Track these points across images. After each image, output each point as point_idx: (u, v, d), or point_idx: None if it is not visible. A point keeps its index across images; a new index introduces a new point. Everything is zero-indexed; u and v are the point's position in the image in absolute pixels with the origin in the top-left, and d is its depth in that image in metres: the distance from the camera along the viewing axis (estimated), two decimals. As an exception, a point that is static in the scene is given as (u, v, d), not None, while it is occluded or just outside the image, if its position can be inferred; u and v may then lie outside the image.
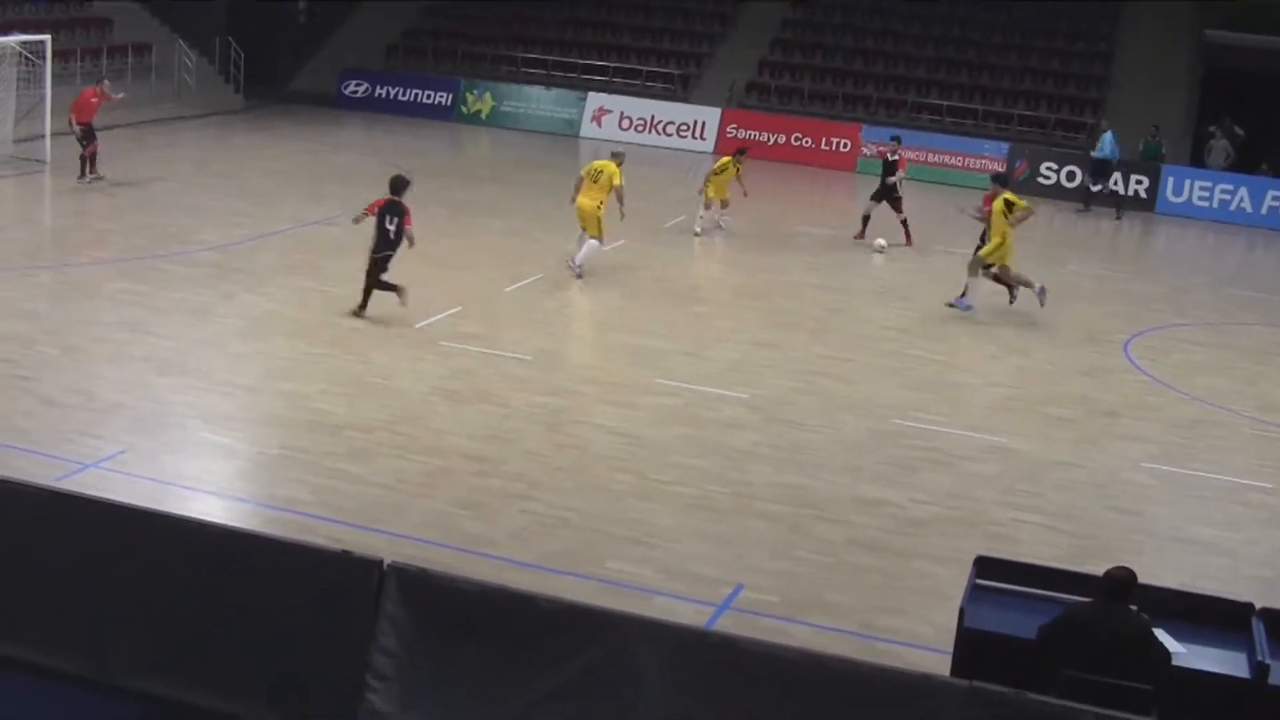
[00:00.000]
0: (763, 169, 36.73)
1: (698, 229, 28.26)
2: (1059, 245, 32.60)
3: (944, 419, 17.93)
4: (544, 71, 44.81)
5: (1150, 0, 43.21)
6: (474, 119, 43.48)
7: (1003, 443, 17.22)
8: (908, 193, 29.05)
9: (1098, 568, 10.14)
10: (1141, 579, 9.53)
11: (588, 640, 9.40)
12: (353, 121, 42.42)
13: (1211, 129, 39.67)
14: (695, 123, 41.71)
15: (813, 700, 8.99)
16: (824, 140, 40.35)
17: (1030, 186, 37.82)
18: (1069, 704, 8.65)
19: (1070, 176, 38.04)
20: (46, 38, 31.05)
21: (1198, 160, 39.48)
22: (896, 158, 29.05)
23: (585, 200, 23.71)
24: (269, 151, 35.28)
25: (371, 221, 20.27)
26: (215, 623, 10.09)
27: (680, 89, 43.84)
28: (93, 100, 28.47)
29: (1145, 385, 20.39)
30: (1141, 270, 31.33)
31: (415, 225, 20.13)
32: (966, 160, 38.88)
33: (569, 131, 42.41)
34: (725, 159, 29.12)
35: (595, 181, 23.67)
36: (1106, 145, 36.73)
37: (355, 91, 44.64)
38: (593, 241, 23.64)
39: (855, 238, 28.63)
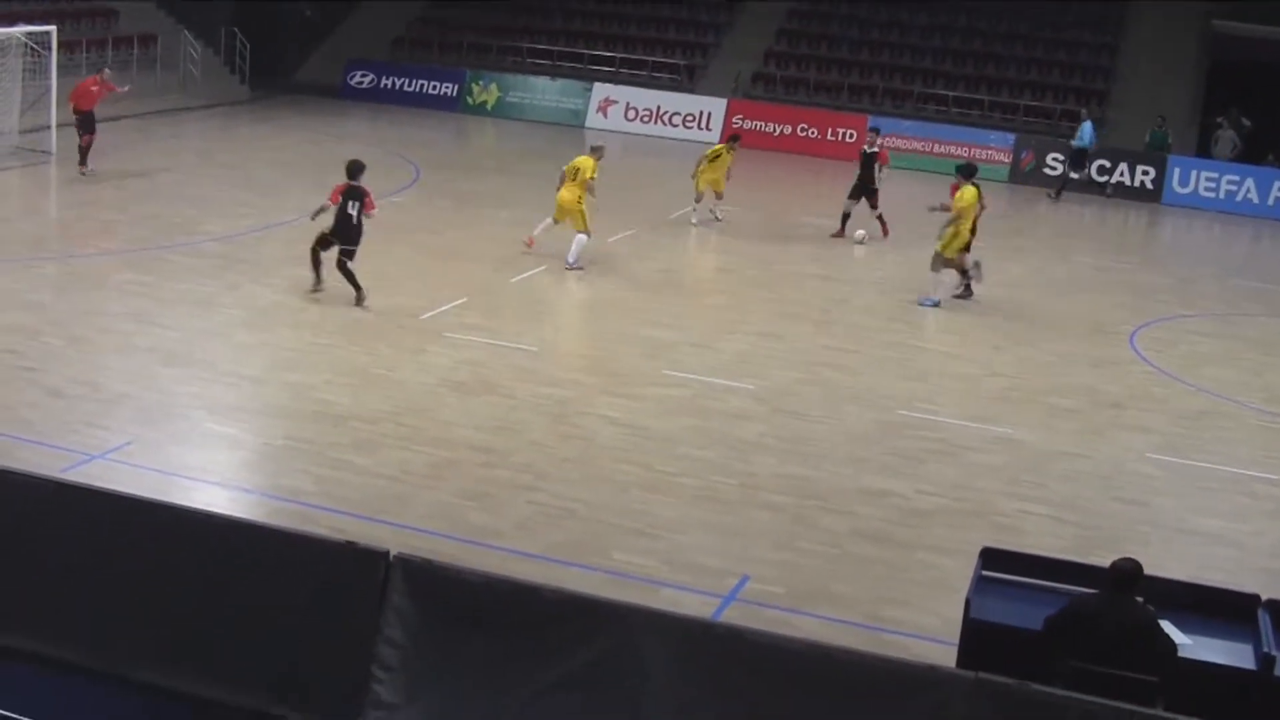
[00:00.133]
0: (768, 160, 36.80)
1: (694, 220, 28.08)
2: (1065, 236, 32.62)
3: (949, 410, 17.92)
4: (550, 62, 44.75)
5: (1157, -9, 43.22)
6: (479, 110, 43.45)
7: (1008, 434, 17.21)
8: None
9: (1103, 559, 10.13)
10: (1147, 570, 9.51)
11: (593, 631, 9.41)
12: (358, 113, 42.40)
13: (1218, 120, 39.61)
14: (701, 113, 41.67)
15: (818, 691, 8.99)
16: (830, 131, 40.30)
17: (1036, 177, 37.90)
18: (1075, 695, 8.65)
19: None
20: (52, 28, 31.02)
21: (1204, 151, 39.41)
22: (876, 150, 28.30)
23: (565, 194, 23.79)
24: (274, 142, 35.28)
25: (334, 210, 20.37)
26: (220, 614, 10.10)
27: (686, 79, 43.79)
28: (93, 89, 28.45)
29: (1151, 376, 20.37)
30: (1148, 261, 31.30)
31: (377, 208, 20.59)
32: (972, 151, 38.73)
33: (575, 122, 42.36)
34: (718, 146, 28.75)
35: (574, 178, 23.74)
36: (1086, 134, 36.66)
37: (361, 83, 44.60)
38: (580, 236, 23.66)
39: (833, 235, 27.95)
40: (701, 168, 27.89)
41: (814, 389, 18.49)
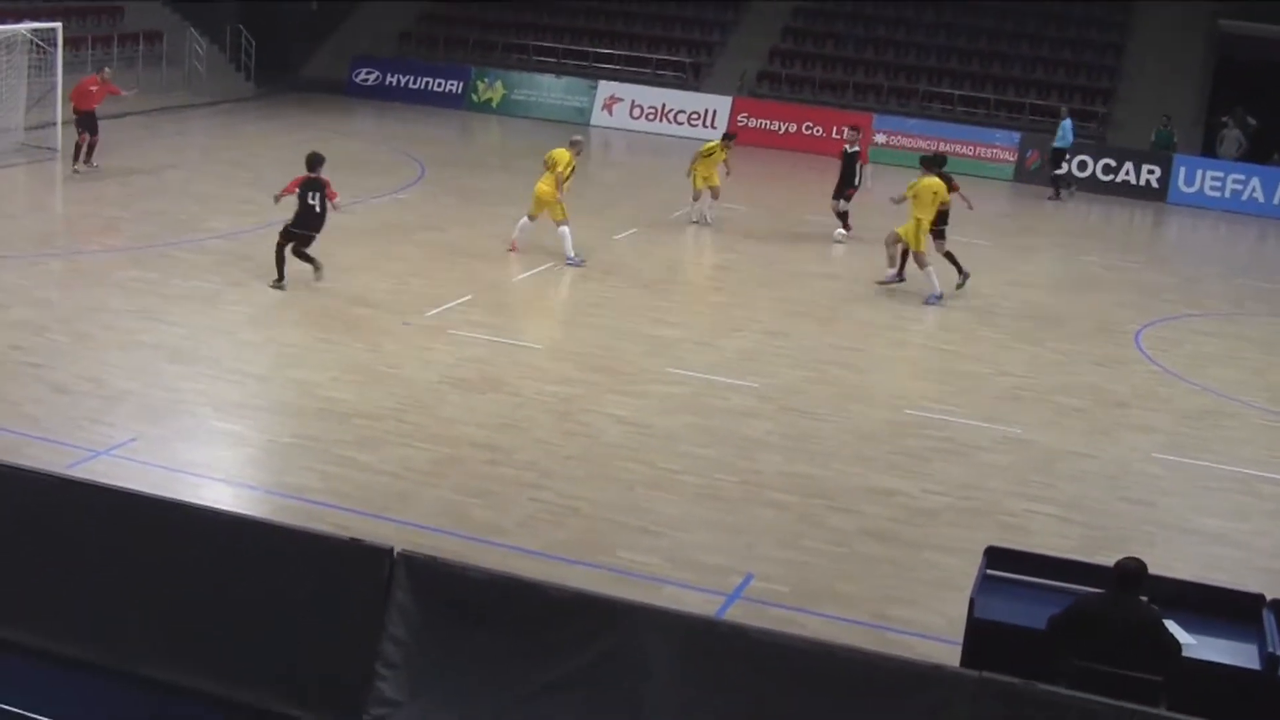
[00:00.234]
0: (773, 158, 36.79)
1: (694, 217, 27.97)
2: (1071, 235, 32.57)
3: (955, 409, 17.91)
4: (555, 60, 44.75)
5: (1163, -10, 43.18)
6: (485, 107, 43.44)
7: (1014, 433, 17.20)
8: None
9: (1108, 558, 10.12)
10: (1152, 570, 9.51)
11: (597, 629, 9.41)
12: (364, 109, 42.40)
13: (1224, 119, 39.56)
14: (706, 111, 41.64)
15: (823, 690, 8.99)
16: (835, 129, 40.06)
17: (1043, 176, 37.80)
18: (1079, 695, 8.64)
19: (1082, 166, 37.91)
20: (58, 25, 31.04)
21: (1210, 150, 39.37)
22: (857, 149, 27.96)
23: (542, 186, 23.83)
24: (280, 140, 35.25)
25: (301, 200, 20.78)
26: (225, 610, 10.11)
27: (691, 77, 43.79)
28: (92, 89, 28.42)
29: (1156, 376, 20.36)
30: (1153, 260, 31.24)
31: (340, 197, 21.08)
32: (978, 150, 38.82)
33: (580, 120, 42.32)
34: (712, 143, 28.39)
35: (551, 169, 23.75)
36: (1064, 133, 36.61)
37: (366, 79, 44.60)
38: (563, 228, 23.75)
39: (845, 233, 27.73)
40: (696, 165, 27.70)
41: (820, 387, 18.48)
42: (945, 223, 23.91)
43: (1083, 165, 37.95)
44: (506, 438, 15.68)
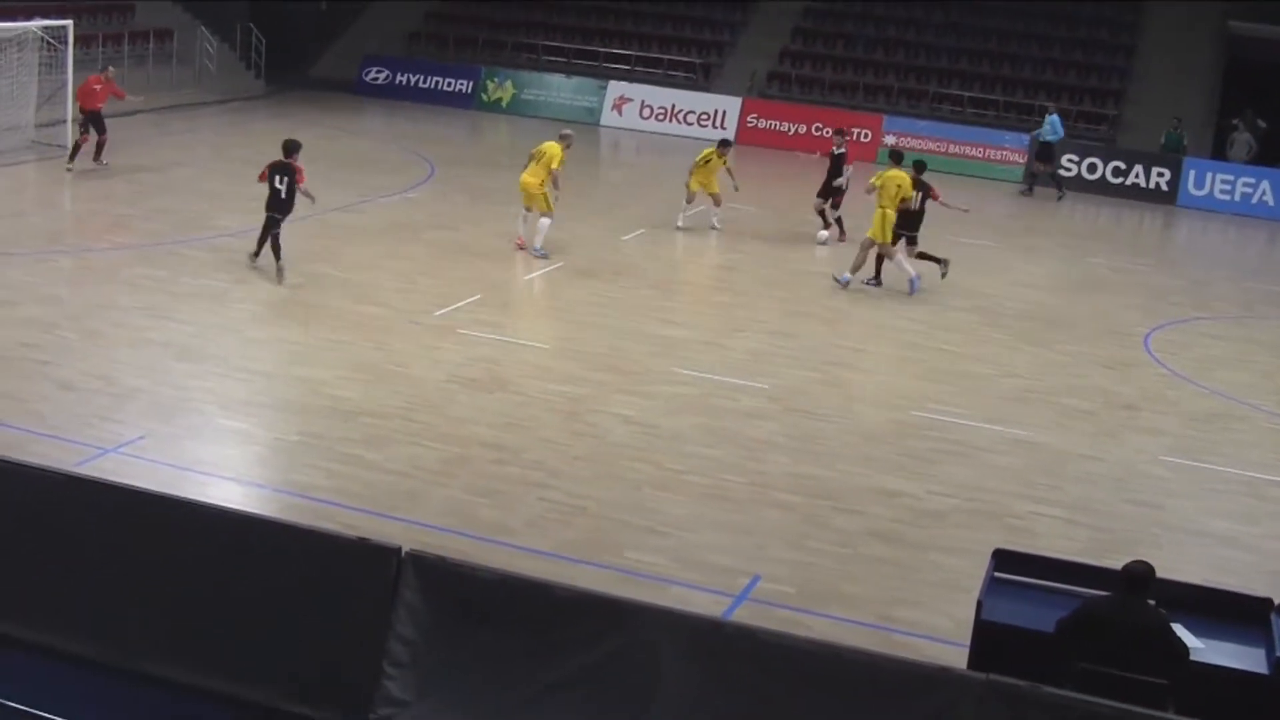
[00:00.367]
0: (782, 159, 36.72)
1: (680, 223, 27.35)
2: (1079, 237, 32.57)
3: (962, 410, 17.90)
4: (565, 60, 44.75)
5: (1174, -8, 43.14)
6: (495, 107, 43.44)
7: (1021, 435, 17.18)
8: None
9: (1116, 561, 10.11)
10: (1160, 573, 9.50)
11: (604, 629, 9.41)
12: (373, 108, 42.44)
13: (1234, 122, 39.50)
14: (716, 112, 41.63)
15: (829, 691, 8.99)
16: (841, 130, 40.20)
17: (1052, 178, 37.76)
18: (1086, 698, 8.63)
19: (1092, 169, 37.90)
20: (69, 23, 31.09)
21: (1220, 153, 39.30)
22: (843, 151, 27.71)
23: (528, 178, 23.98)
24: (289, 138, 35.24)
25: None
26: (232, 608, 10.13)
27: (701, 78, 43.77)
28: (96, 87, 28.41)
29: (1165, 378, 20.34)
30: (1162, 263, 31.23)
31: (308, 183, 21.35)
32: (987, 151, 38.80)
33: (590, 120, 42.32)
34: (708, 150, 27.79)
35: (538, 161, 23.89)
36: (1055, 128, 36.60)
37: (376, 78, 44.62)
38: (544, 220, 23.86)
39: (839, 240, 27.43)
40: (693, 173, 27.37)
41: (826, 388, 18.48)
42: (916, 229, 23.90)
43: (1092, 168, 37.94)
44: (514, 437, 15.69)
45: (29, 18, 30.99)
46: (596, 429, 16.24)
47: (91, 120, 28.18)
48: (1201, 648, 9.52)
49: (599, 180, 36.41)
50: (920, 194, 23.72)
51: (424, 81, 44.35)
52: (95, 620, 10.36)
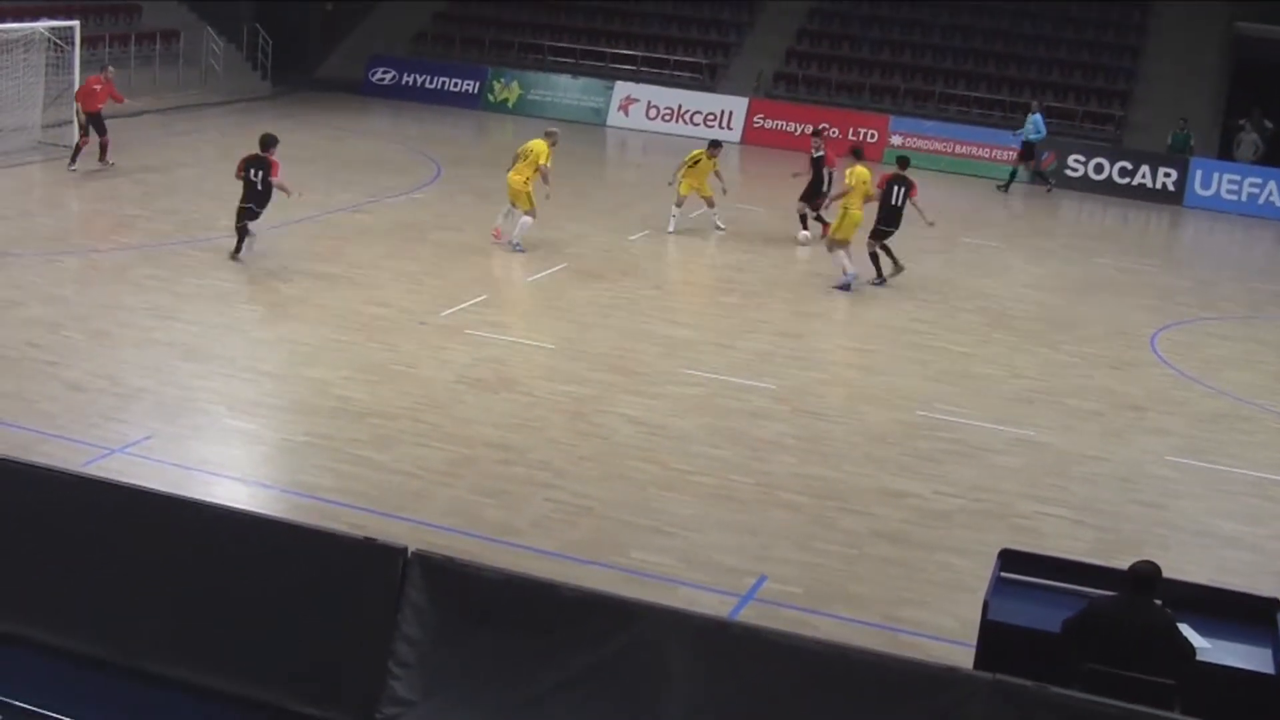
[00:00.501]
0: (789, 159, 36.62)
1: (670, 227, 27.03)
2: (1086, 237, 32.57)
3: (968, 411, 17.89)
4: (571, 60, 44.75)
5: (1181, -8, 43.10)
6: (501, 107, 43.43)
7: (1028, 435, 17.17)
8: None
9: (1122, 561, 10.10)
10: (1166, 573, 9.49)
11: (610, 629, 9.41)
12: (379, 109, 42.43)
13: (1241, 122, 39.47)
14: (722, 112, 41.64)
15: (836, 691, 8.98)
16: (851, 130, 40.07)
17: (1058, 178, 37.76)
18: (1093, 698, 8.63)
19: (1098, 169, 37.89)
20: (75, 24, 31.14)
21: (1226, 153, 39.27)
22: (822, 154, 27.44)
23: (513, 176, 24.10)
24: (295, 139, 35.10)
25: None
26: (238, 608, 10.13)
27: (708, 78, 43.77)
28: (96, 87, 28.42)
29: (1171, 379, 20.32)
30: (1169, 263, 31.22)
31: (283, 176, 22.16)
32: (993, 152, 38.74)
33: (596, 120, 42.35)
34: (697, 152, 27.32)
35: (525, 159, 23.97)
36: (1038, 127, 36.59)
37: (382, 79, 44.62)
38: (526, 218, 23.98)
39: (809, 235, 27.25)
40: (681, 173, 27.03)
41: (833, 389, 18.48)
42: (895, 225, 23.93)
43: (1099, 168, 37.92)
44: (520, 438, 15.70)
45: (35, 18, 31.04)
46: (603, 429, 16.24)
47: (92, 122, 28.19)
48: (1208, 648, 9.50)
49: (605, 181, 36.46)
50: (902, 190, 23.78)
51: (430, 82, 44.36)
52: (102, 620, 10.36)
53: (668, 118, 41.98)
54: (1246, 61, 41.13)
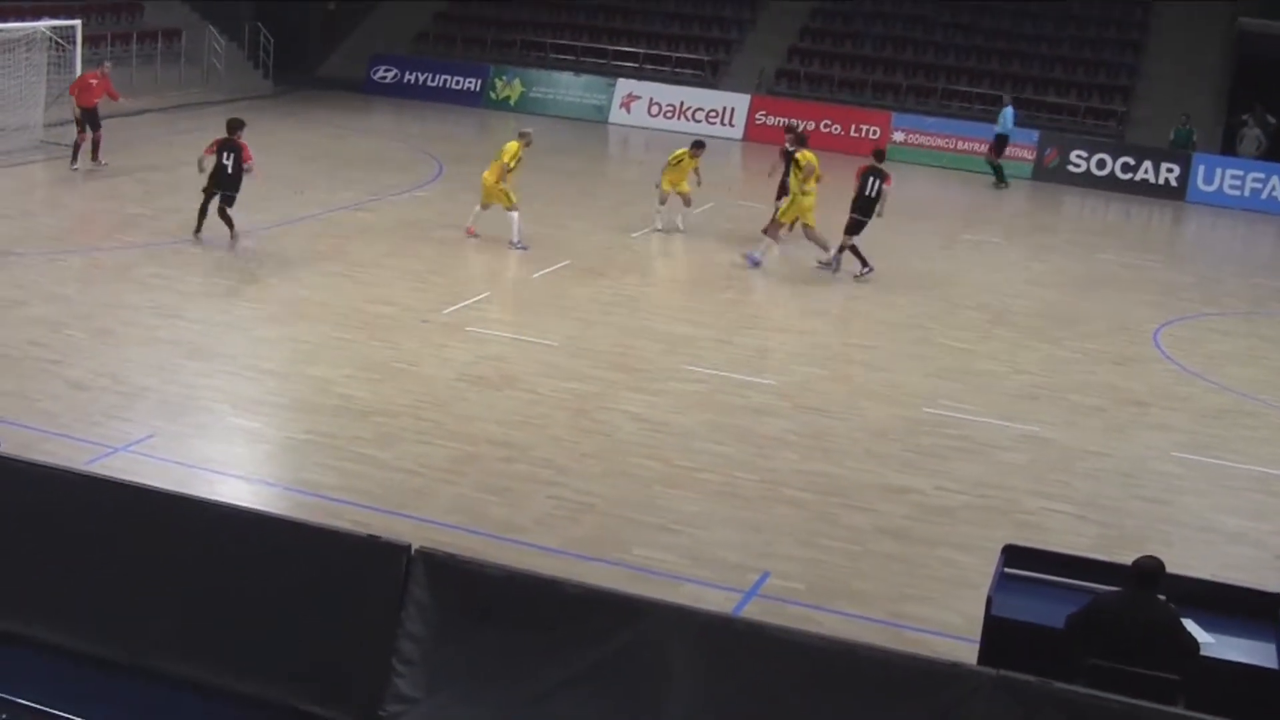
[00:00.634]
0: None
1: (658, 224, 26.82)
2: (1089, 233, 32.55)
3: (972, 407, 17.88)
4: (573, 58, 44.74)
5: (1182, -12, 43.05)
6: (503, 105, 43.40)
7: (1031, 431, 17.17)
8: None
9: (1126, 557, 10.11)
10: (1170, 569, 9.49)
11: (614, 626, 9.40)
12: (382, 107, 42.44)
13: (1243, 118, 39.41)
14: (725, 109, 41.60)
15: (840, 688, 8.97)
16: (853, 127, 40.17)
17: (1060, 174, 37.76)
18: (1096, 693, 8.62)
19: (1101, 165, 37.85)
20: (77, 23, 31.15)
21: (1229, 149, 39.21)
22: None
23: (486, 175, 24.23)
24: (297, 137, 35.30)
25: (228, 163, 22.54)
26: (242, 606, 10.13)
27: (710, 75, 43.76)
28: (92, 82, 28.40)
29: (1175, 374, 20.31)
30: (1172, 259, 31.19)
31: (254, 160, 22.90)
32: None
33: (598, 118, 42.35)
34: (680, 151, 27.03)
35: (497, 158, 24.13)
36: (1005, 121, 36.59)
37: (384, 77, 44.61)
38: (511, 214, 24.04)
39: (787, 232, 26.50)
40: (664, 173, 26.86)
41: (836, 385, 18.47)
42: (869, 215, 24.04)
43: (1101, 164, 37.89)
44: (523, 435, 15.70)
45: (37, 18, 31.04)
46: (606, 426, 16.24)
47: (86, 118, 28.16)
48: (1212, 643, 9.50)
49: (607, 178, 36.45)
50: (878, 181, 23.90)
51: (432, 80, 44.34)
52: (106, 618, 10.36)
53: (670, 115, 41.95)
54: (1249, 57, 41.08)
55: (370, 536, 10.15)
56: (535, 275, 22.79)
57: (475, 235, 24.41)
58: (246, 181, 22.53)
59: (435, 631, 9.72)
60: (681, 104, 42.10)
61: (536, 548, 12.87)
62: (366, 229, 25.06)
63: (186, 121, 36.14)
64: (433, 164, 32.59)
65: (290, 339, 18.57)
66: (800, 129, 27.53)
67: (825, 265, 24.30)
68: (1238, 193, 37.02)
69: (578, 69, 44.13)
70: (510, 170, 23.90)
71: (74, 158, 28.11)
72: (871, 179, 24.02)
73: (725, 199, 29.72)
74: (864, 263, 24.01)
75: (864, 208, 24.05)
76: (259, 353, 17.91)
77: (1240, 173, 37.26)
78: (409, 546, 9.83)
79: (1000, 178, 36.34)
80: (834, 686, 8.99)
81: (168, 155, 30.65)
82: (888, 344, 20.61)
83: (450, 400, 16.68)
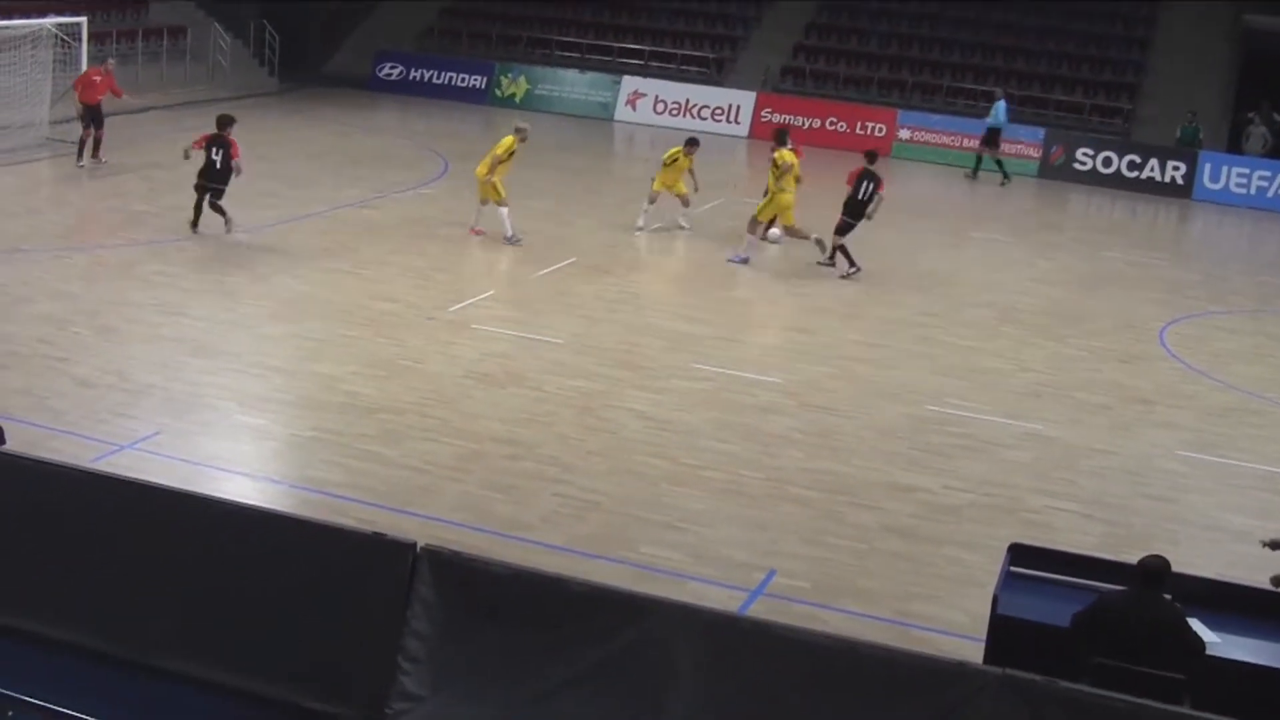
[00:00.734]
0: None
1: (640, 223, 26.48)
2: (1095, 231, 32.54)
3: (978, 405, 17.87)
4: (579, 55, 44.75)
5: (1189, -15, 42.99)
6: (508, 102, 43.36)
7: (1037, 429, 17.15)
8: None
9: (1132, 556, 10.10)
10: (1175, 567, 9.48)
11: (620, 624, 9.40)
12: (387, 104, 42.45)
13: (1250, 115, 39.37)
14: (730, 107, 41.59)
15: (845, 686, 8.97)
16: (859, 125, 40.17)
17: (1065, 172, 37.73)
18: (1102, 692, 8.61)
19: (1107, 162, 37.83)
20: (82, 20, 31.16)
21: (1235, 146, 39.18)
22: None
23: (480, 169, 24.35)
24: (303, 134, 35.32)
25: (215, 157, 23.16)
26: (247, 604, 10.13)
27: (715, 73, 43.74)
28: (95, 79, 28.43)
29: (1180, 373, 20.29)
30: (1178, 257, 31.17)
31: (243, 157, 23.37)
32: (1002, 146, 38.61)
33: (603, 115, 42.34)
34: (675, 149, 26.86)
35: (492, 151, 24.21)
36: (998, 114, 36.62)
37: (390, 74, 44.62)
38: (501, 210, 24.13)
39: (779, 234, 26.19)
40: (659, 173, 26.66)
41: (842, 383, 18.46)
42: (859, 217, 24.13)
43: (1107, 161, 37.86)
44: (529, 432, 15.70)
45: (43, 14, 31.05)
46: (611, 424, 16.24)
47: (90, 115, 28.18)
48: (1218, 642, 9.49)
49: (613, 176, 36.43)
50: (871, 185, 23.96)
51: (437, 77, 44.36)
52: (111, 615, 10.37)
53: (675, 112, 41.94)
54: (1255, 54, 41.03)
55: (376, 534, 10.15)
56: (540, 273, 22.79)
57: (481, 233, 24.38)
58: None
59: (440, 629, 9.72)
60: (687, 101, 42.09)
61: (542, 545, 12.88)
62: (372, 226, 25.07)
63: (191, 119, 36.04)
64: (438, 161, 32.60)
65: (295, 336, 18.57)
66: (783, 128, 27.37)
67: (827, 264, 24.28)
68: (1244, 191, 36.98)
69: (583, 66, 44.13)
70: (502, 162, 23.89)
71: (79, 154, 28.12)
72: (866, 182, 24.04)
73: (731, 197, 29.66)
74: (851, 262, 24.01)
75: (855, 210, 24.07)
76: (264, 350, 17.92)
77: (1246, 171, 37.23)
78: (414, 544, 9.83)
79: (1003, 173, 36.35)
80: (839, 685, 8.98)
81: (172, 153, 30.48)
82: (893, 342, 20.60)
83: (456, 398, 16.68)
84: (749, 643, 9.28)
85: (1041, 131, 38.95)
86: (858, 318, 21.91)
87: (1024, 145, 38.50)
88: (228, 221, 23.05)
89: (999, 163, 36.65)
